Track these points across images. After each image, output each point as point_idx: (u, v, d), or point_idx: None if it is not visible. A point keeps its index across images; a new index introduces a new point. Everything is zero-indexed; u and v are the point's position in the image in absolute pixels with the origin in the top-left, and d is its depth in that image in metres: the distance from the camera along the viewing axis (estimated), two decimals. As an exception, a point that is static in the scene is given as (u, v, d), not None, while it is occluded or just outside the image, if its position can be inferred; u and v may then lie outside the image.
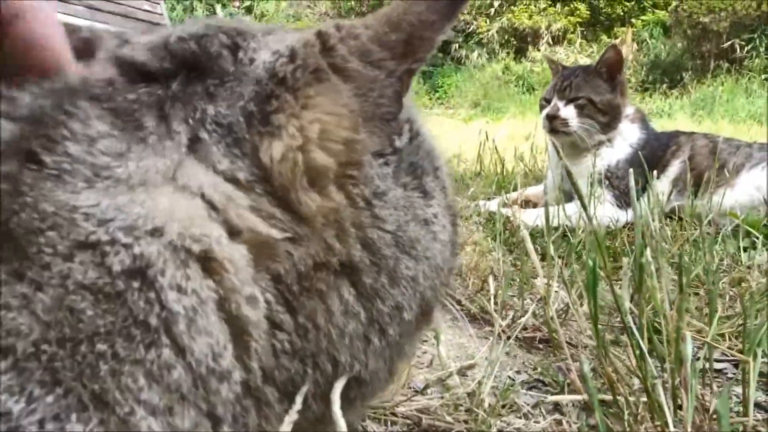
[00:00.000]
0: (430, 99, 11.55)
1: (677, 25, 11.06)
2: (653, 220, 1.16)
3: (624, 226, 2.01)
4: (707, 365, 0.82)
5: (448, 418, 0.81)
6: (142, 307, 0.36)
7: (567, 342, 1.03)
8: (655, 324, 0.85)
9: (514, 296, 1.27)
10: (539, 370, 0.99)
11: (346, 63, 0.46)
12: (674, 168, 2.28)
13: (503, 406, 0.85)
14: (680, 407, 0.70)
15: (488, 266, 1.37)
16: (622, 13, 12.80)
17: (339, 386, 0.45)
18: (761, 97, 8.96)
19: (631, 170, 0.93)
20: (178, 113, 0.42)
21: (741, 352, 0.81)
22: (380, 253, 0.46)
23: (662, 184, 2.21)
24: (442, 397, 0.85)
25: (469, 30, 12.65)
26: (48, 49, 0.44)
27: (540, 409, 0.86)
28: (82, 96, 0.41)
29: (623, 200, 2.20)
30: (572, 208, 1.79)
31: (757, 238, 1.57)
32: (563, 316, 1.16)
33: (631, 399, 0.75)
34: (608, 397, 0.78)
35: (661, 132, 2.58)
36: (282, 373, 0.43)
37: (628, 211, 2.16)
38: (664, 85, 10.59)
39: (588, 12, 12.79)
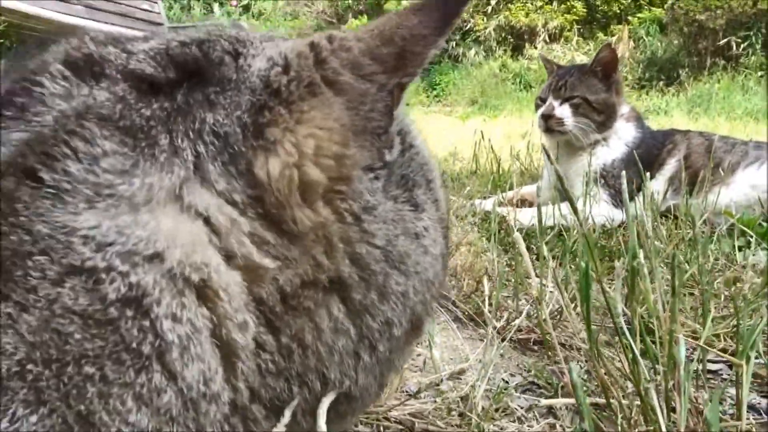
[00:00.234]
0: (428, 96, 11.53)
1: (673, 22, 11.04)
2: (648, 220, 1.16)
3: (619, 225, 2.01)
4: (701, 367, 0.82)
5: (441, 423, 0.80)
6: (135, 335, 0.36)
7: (561, 344, 1.02)
8: (649, 325, 0.85)
9: (508, 297, 1.26)
10: (533, 372, 0.98)
11: (338, 76, 0.46)
12: (670, 167, 2.28)
13: (497, 410, 0.85)
14: (673, 410, 0.70)
15: (483, 267, 1.37)
16: (618, 11, 12.78)
17: (326, 402, 0.45)
18: (757, 94, 8.96)
19: (623, 172, 0.93)
20: (180, 127, 0.42)
21: (735, 353, 0.81)
22: (369, 268, 0.45)
23: (658, 183, 2.21)
24: (435, 401, 0.85)
25: (467, 28, 12.63)
26: None
27: (533, 412, 0.86)
28: (89, 117, 0.40)
29: (619, 199, 2.19)
30: (567, 207, 1.79)
31: (753, 237, 1.57)
32: (557, 317, 1.16)
33: (625, 402, 0.75)
34: (601, 400, 0.78)
35: (657, 130, 2.57)
36: (268, 391, 0.42)
37: (623, 210, 2.16)
38: (661, 83, 10.57)
39: (585, 10, 12.78)
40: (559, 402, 0.85)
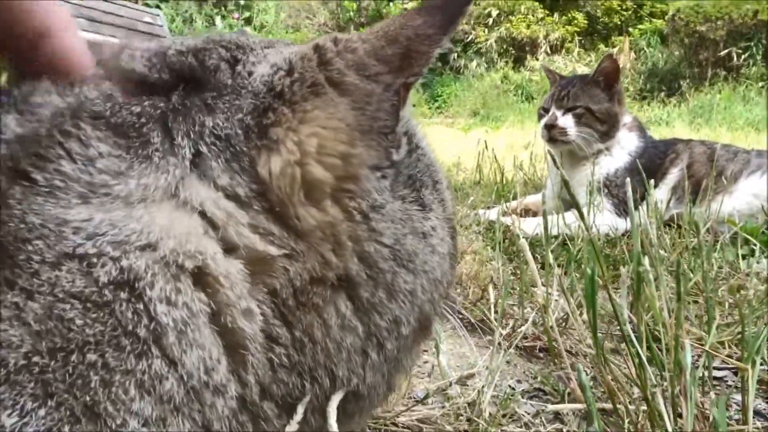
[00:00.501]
0: (430, 108, 11.57)
1: (674, 33, 11.09)
2: (652, 228, 1.16)
3: (623, 234, 2.01)
4: (707, 373, 0.82)
5: (449, 428, 0.81)
6: (130, 318, 0.37)
7: (567, 351, 1.03)
8: (655, 332, 0.86)
9: (514, 305, 1.27)
10: (539, 379, 0.99)
11: (343, 77, 0.46)
12: (673, 176, 2.28)
13: (504, 416, 0.85)
14: (680, 416, 0.70)
15: (488, 275, 1.38)
16: (619, 23, 12.85)
17: (336, 399, 0.45)
18: (758, 105, 8.98)
19: (628, 180, 0.93)
20: (181, 127, 0.42)
21: (740, 359, 0.82)
22: (377, 266, 0.46)
23: (661, 192, 2.21)
24: (442, 407, 0.86)
25: (468, 40, 12.70)
26: (73, 59, 0.51)
27: (540, 418, 0.86)
28: (83, 115, 0.41)
29: (622, 208, 2.20)
30: (572, 216, 1.79)
31: (756, 245, 1.57)
32: (563, 324, 1.16)
33: (631, 408, 0.75)
34: (608, 405, 0.78)
35: (659, 140, 2.59)
36: (280, 387, 0.43)
37: (627, 219, 2.16)
38: (662, 93, 10.60)
39: (586, 21, 12.85)
40: (566, 407, 0.86)
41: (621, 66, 2.40)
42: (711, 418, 0.72)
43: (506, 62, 12.70)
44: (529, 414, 0.86)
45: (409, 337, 0.50)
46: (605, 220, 2.09)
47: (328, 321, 0.44)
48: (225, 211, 0.42)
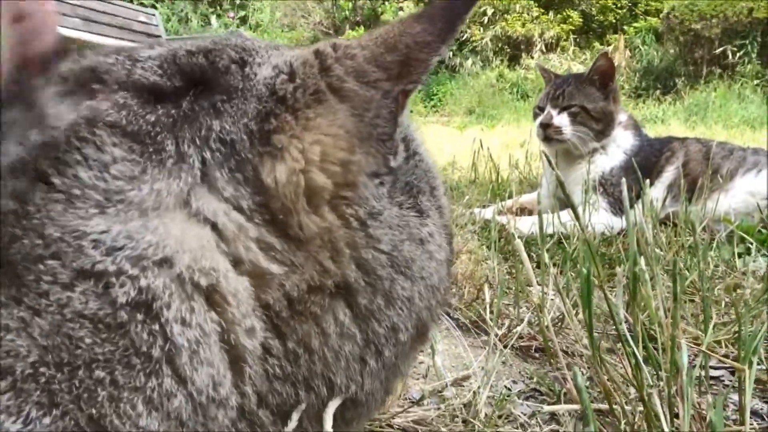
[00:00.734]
0: (425, 107, 11.58)
1: (669, 31, 11.13)
2: (648, 227, 1.16)
3: (619, 233, 2.01)
4: (703, 373, 0.82)
5: (445, 430, 0.80)
6: (145, 339, 0.36)
7: (563, 351, 1.02)
8: (651, 331, 0.85)
9: (509, 305, 1.26)
10: (535, 379, 0.98)
11: (343, 83, 0.46)
12: (669, 174, 2.28)
13: (500, 417, 0.84)
14: (677, 416, 0.70)
15: (483, 275, 1.37)
16: (614, 21, 12.88)
17: (332, 406, 0.45)
18: (754, 103, 9.01)
19: (623, 179, 0.93)
20: (187, 134, 0.42)
21: (737, 359, 0.81)
22: (375, 273, 0.46)
23: (657, 191, 2.21)
24: (438, 408, 0.85)
25: (463, 38, 12.71)
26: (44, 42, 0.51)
27: (536, 419, 0.86)
28: (99, 124, 0.41)
29: (618, 207, 2.20)
30: (567, 215, 1.79)
31: (752, 243, 1.57)
32: (559, 324, 1.16)
33: (628, 408, 0.75)
34: (604, 406, 0.78)
35: (655, 138, 2.58)
36: (275, 396, 0.43)
37: (623, 218, 2.16)
38: (658, 92, 10.64)
39: (580, 20, 12.88)
40: (562, 408, 0.85)
41: (616, 64, 2.40)
42: (708, 419, 0.72)
43: (501, 61, 12.72)
44: (525, 415, 0.86)
45: (406, 343, 0.50)
46: (601, 218, 2.09)
47: (326, 329, 0.44)
48: (236, 223, 0.41)
